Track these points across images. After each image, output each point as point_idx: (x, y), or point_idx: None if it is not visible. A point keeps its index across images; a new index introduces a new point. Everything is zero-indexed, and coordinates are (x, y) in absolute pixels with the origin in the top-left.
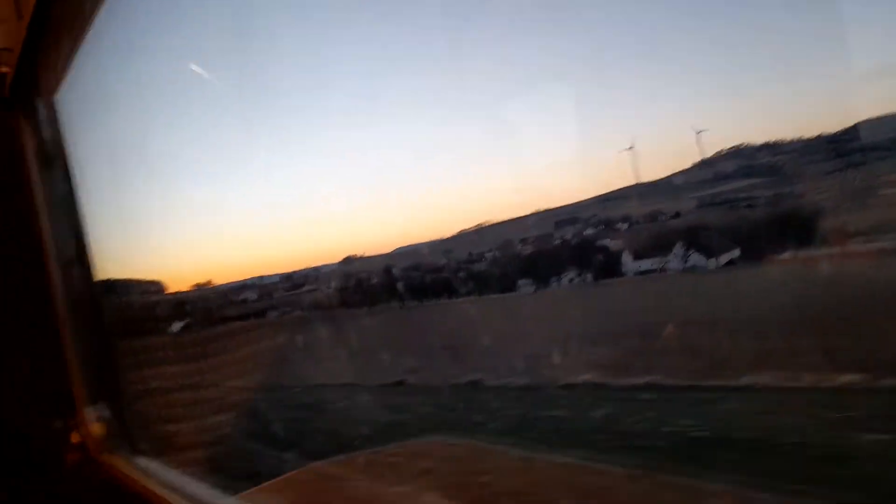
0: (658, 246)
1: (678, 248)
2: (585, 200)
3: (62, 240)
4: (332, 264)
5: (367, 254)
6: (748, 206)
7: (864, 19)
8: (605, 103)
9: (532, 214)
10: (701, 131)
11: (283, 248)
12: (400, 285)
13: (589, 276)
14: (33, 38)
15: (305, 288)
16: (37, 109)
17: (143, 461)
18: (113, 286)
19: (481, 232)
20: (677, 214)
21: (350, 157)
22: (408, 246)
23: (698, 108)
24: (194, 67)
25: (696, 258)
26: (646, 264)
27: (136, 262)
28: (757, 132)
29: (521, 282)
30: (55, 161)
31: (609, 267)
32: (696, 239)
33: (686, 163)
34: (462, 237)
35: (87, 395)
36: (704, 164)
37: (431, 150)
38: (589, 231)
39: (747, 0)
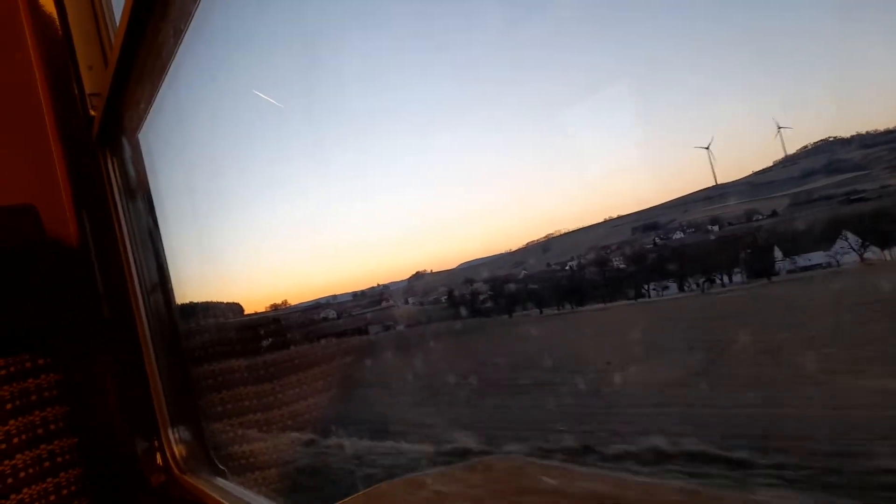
0: (793, 239)
1: (846, 239)
2: (660, 205)
3: (145, 269)
4: (401, 281)
5: (435, 269)
6: (857, 199)
7: None
8: (668, 103)
9: (604, 223)
10: (781, 128)
11: (344, 267)
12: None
13: (733, 277)
14: (118, 83)
15: (383, 304)
16: (122, 148)
17: (221, 481)
18: (193, 309)
19: (550, 243)
20: (774, 213)
21: (407, 175)
22: (473, 261)
23: (772, 104)
24: (258, 93)
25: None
26: (803, 260)
27: (211, 287)
28: (842, 125)
29: (652, 286)
30: (138, 195)
31: (758, 265)
32: (859, 229)
33: (766, 161)
34: (530, 249)
35: (169, 417)
36: (787, 161)
37: (487, 163)
38: (678, 235)
39: None
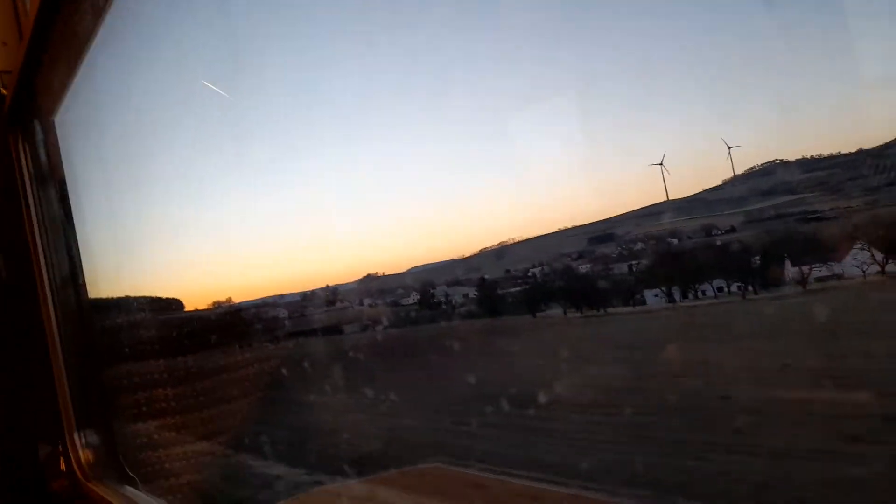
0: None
1: (854, 251)
2: (612, 218)
3: (55, 260)
4: (351, 283)
5: (385, 273)
6: (814, 219)
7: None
8: (616, 119)
9: (557, 233)
10: (732, 147)
11: (280, 268)
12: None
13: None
14: (32, 61)
15: (338, 305)
16: (35, 131)
17: (130, 490)
18: (123, 304)
19: (504, 250)
20: (732, 229)
21: (346, 177)
22: (423, 266)
23: (715, 125)
24: (207, 84)
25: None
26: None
27: (135, 282)
28: (787, 148)
29: (649, 293)
30: (50, 182)
31: (762, 275)
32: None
33: (714, 180)
34: (483, 256)
35: (76, 420)
36: (736, 180)
37: (436, 168)
38: (639, 246)
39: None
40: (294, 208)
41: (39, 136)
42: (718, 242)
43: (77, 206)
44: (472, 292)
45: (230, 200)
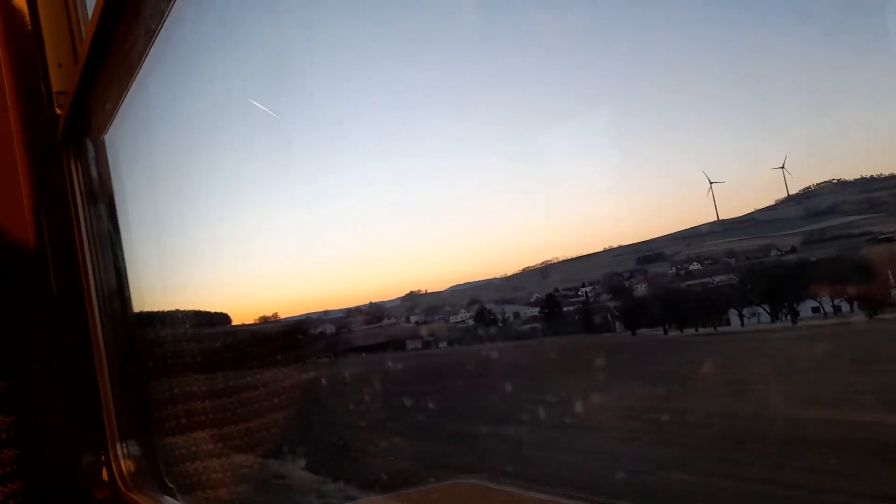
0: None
1: None
2: (658, 238)
3: (103, 274)
4: (395, 300)
5: (427, 291)
6: (883, 239)
7: None
8: (658, 140)
9: (603, 252)
10: (783, 166)
11: (320, 283)
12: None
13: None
14: (87, 82)
15: (384, 322)
16: (87, 149)
17: (169, 500)
18: (162, 318)
19: (548, 269)
20: (793, 249)
21: (387, 193)
22: (465, 284)
23: (768, 144)
24: (255, 103)
25: None
26: None
27: (179, 296)
28: (843, 167)
29: (744, 311)
30: (100, 198)
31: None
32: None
33: (767, 200)
34: (526, 275)
35: (119, 431)
36: (790, 200)
37: (475, 186)
38: (694, 266)
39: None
40: (336, 224)
41: (91, 154)
42: (813, 259)
43: (124, 221)
44: (527, 311)
45: (274, 216)
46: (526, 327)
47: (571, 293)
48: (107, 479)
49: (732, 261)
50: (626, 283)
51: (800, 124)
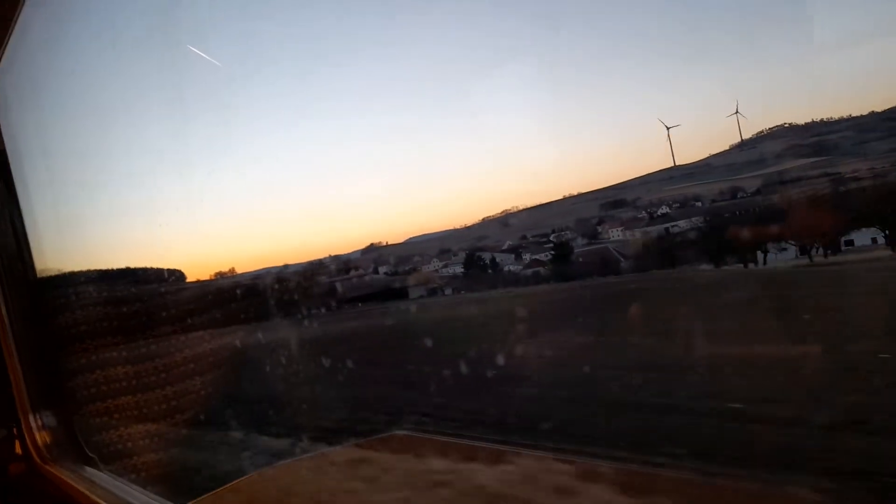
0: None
1: None
2: (618, 185)
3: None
4: (355, 252)
5: (387, 243)
6: (842, 181)
7: None
8: (597, 93)
9: (562, 200)
10: (735, 112)
11: (271, 240)
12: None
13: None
14: None
15: (352, 273)
16: None
17: (90, 470)
18: (131, 274)
19: (507, 219)
20: (758, 192)
21: (322, 151)
22: (422, 235)
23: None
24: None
25: None
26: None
27: (99, 255)
28: (788, 112)
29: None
30: None
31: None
32: None
33: (721, 145)
34: (485, 225)
35: (30, 402)
36: (743, 145)
37: (420, 142)
38: (663, 210)
39: None
40: (281, 181)
41: None
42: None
43: (21, 179)
44: (503, 257)
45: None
46: (528, 272)
47: (542, 239)
48: (21, 452)
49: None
50: (598, 229)
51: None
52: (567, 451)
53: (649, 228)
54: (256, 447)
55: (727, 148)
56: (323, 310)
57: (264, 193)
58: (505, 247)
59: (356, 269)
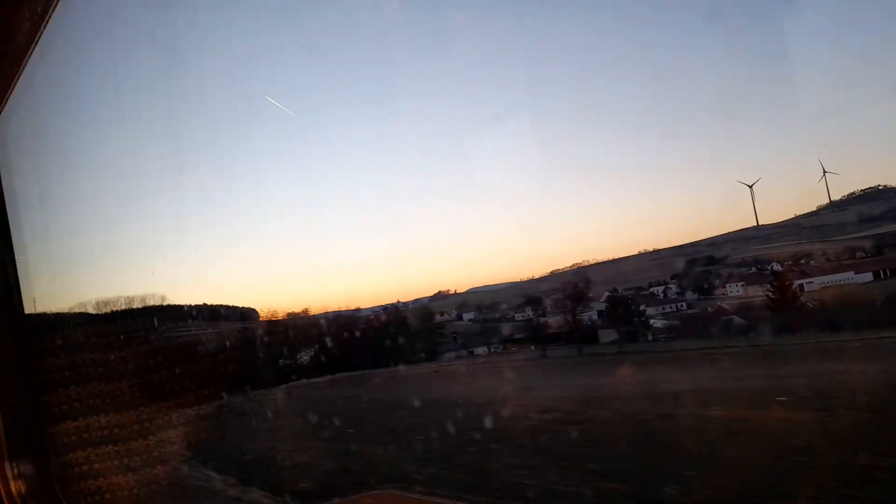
0: None
1: None
2: (697, 242)
3: None
4: (423, 298)
5: (455, 291)
6: None
7: None
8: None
9: (639, 255)
10: (826, 173)
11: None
12: None
13: None
14: None
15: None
16: None
17: None
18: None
19: (581, 272)
20: (879, 250)
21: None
22: (483, 287)
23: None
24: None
25: None
26: None
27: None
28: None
29: None
30: None
31: None
32: None
33: (808, 206)
34: (555, 277)
35: (8, 448)
36: (833, 206)
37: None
38: (751, 270)
39: None
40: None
41: None
42: None
43: (15, 220)
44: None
45: (203, 224)
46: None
47: (633, 292)
48: None
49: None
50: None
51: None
52: None
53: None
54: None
55: (815, 209)
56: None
57: (272, 242)
58: (603, 298)
59: (441, 314)
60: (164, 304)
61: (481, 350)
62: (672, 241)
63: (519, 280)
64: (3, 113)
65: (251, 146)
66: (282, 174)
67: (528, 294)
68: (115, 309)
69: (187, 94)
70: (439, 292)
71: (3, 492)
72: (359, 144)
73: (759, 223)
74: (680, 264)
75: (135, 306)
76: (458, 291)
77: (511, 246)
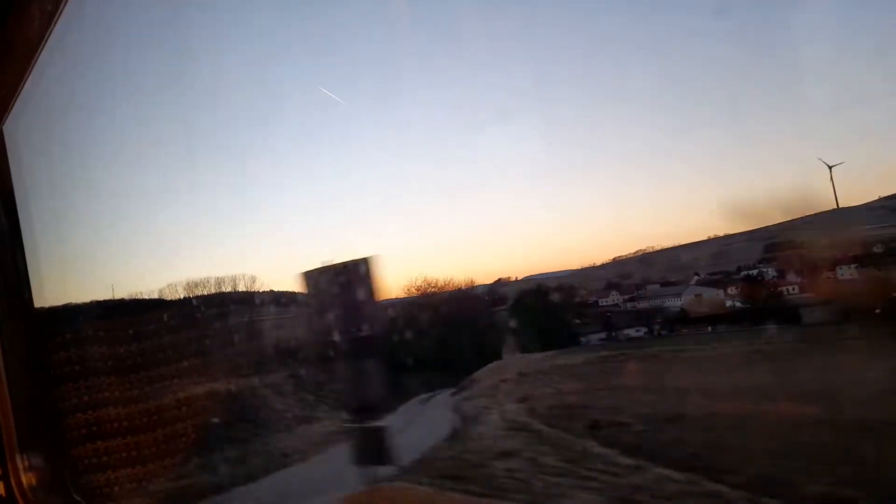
0: None
1: None
2: (774, 226)
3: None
4: (480, 286)
5: (516, 278)
6: None
7: None
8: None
9: (708, 241)
10: None
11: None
12: None
13: None
14: None
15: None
16: None
17: None
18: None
19: (647, 258)
20: None
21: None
22: (541, 274)
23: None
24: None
25: None
26: None
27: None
28: None
29: None
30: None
31: None
32: None
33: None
34: (618, 264)
35: (18, 441)
36: None
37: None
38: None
39: None
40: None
41: None
42: None
43: (26, 217)
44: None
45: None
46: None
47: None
48: (5, 494)
49: None
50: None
51: None
52: None
53: None
54: None
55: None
56: None
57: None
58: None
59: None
60: (177, 297)
61: (634, 333)
62: (737, 228)
63: (578, 267)
64: (14, 109)
65: (263, 144)
66: (295, 171)
67: (609, 279)
68: (127, 299)
69: (197, 89)
70: (500, 279)
71: (14, 485)
72: (402, 139)
73: (839, 205)
74: (758, 249)
75: (145, 298)
76: (518, 278)
77: (555, 236)
